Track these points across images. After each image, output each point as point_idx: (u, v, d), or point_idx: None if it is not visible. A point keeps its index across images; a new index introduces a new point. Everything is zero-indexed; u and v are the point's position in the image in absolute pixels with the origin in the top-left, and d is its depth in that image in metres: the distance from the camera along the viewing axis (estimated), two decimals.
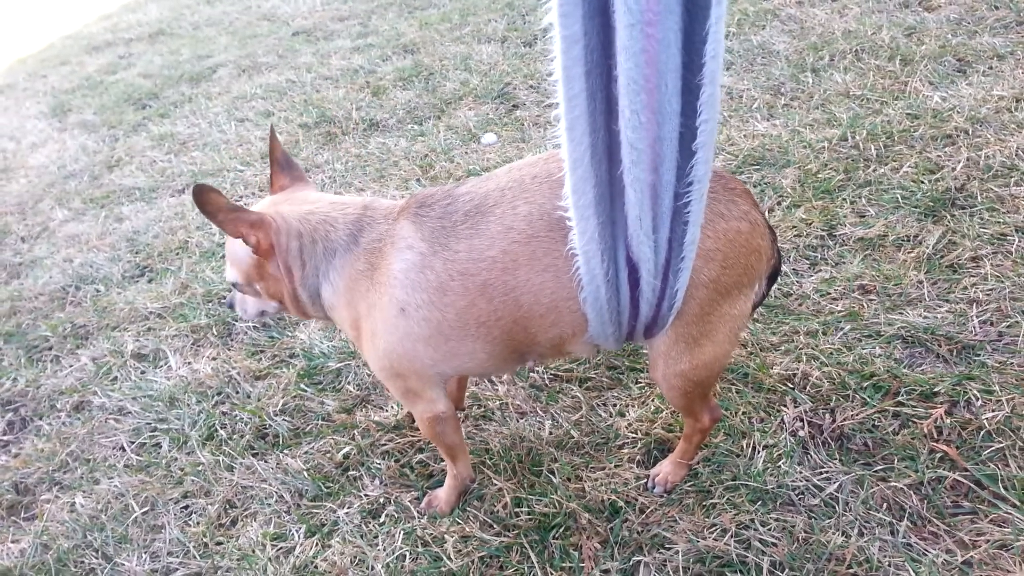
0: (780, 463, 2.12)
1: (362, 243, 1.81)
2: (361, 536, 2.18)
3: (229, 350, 3.13)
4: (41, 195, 5.35)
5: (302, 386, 2.82)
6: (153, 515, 2.39)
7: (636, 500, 2.13)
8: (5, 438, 2.95)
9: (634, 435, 2.33)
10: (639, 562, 1.96)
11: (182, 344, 3.23)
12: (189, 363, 3.09)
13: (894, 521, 1.93)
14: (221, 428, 2.67)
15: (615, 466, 2.24)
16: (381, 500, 2.28)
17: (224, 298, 3.46)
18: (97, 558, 2.28)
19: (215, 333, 3.24)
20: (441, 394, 1.95)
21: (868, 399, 2.25)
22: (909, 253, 2.81)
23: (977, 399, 2.16)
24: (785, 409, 2.29)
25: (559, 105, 1.37)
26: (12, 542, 2.42)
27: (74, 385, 3.11)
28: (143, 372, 3.10)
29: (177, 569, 2.21)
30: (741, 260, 1.66)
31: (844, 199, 3.13)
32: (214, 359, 3.08)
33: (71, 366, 3.25)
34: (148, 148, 5.66)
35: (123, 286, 3.84)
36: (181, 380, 2.98)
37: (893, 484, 2.01)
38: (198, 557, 2.22)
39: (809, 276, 2.84)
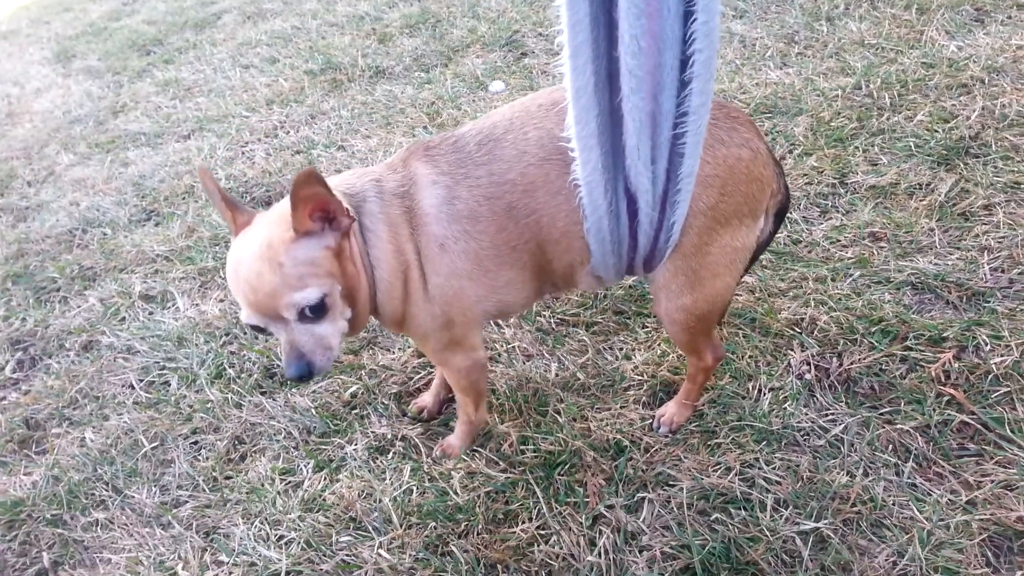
0: (786, 405, 2.13)
1: (388, 190, 1.73)
2: (368, 471, 2.20)
3: None
4: (46, 140, 5.32)
5: None
6: (162, 450, 2.42)
7: (641, 440, 2.14)
8: (15, 376, 2.97)
9: (640, 378, 2.34)
10: (643, 498, 1.98)
11: (189, 286, 3.23)
12: (196, 304, 3.10)
13: (899, 462, 1.94)
14: (229, 367, 2.69)
15: (620, 407, 2.25)
16: (388, 437, 2.30)
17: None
18: (107, 490, 2.31)
19: (222, 276, 3.24)
20: (481, 339, 1.94)
21: (876, 344, 2.24)
22: (921, 201, 2.78)
23: (986, 344, 2.16)
24: (792, 353, 2.29)
25: (562, 32, 1.34)
26: (24, 474, 2.45)
27: (82, 325, 3.12)
28: (151, 313, 3.11)
29: (187, 501, 2.24)
30: (741, 188, 1.64)
31: (856, 147, 3.09)
32: (221, 301, 3.08)
33: (79, 307, 3.26)
34: (153, 94, 5.61)
35: (130, 229, 3.83)
36: (189, 321, 2.99)
37: (899, 426, 2.01)
38: (207, 490, 2.25)
39: (819, 224, 2.82)
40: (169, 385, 2.68)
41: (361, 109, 4.51)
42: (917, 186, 2.86)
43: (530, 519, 1.99)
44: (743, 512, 1.88)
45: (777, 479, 1.94)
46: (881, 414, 2.06)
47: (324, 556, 1.98)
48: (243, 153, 4.38)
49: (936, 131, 3.05)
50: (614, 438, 2.15)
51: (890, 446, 1.98)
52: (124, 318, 3.11)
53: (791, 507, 1.87)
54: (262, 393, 2.57)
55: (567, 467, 2.10)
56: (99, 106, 5.65)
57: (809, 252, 2.67)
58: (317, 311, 1.59)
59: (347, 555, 1.98)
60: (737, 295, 2.53)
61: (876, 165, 3.00)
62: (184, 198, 4.03)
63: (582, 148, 1.50)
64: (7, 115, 6.00)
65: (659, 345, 2.43)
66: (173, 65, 6.07)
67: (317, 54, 5.43)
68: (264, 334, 1.66)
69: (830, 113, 3.31)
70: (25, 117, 5.88)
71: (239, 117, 4.80)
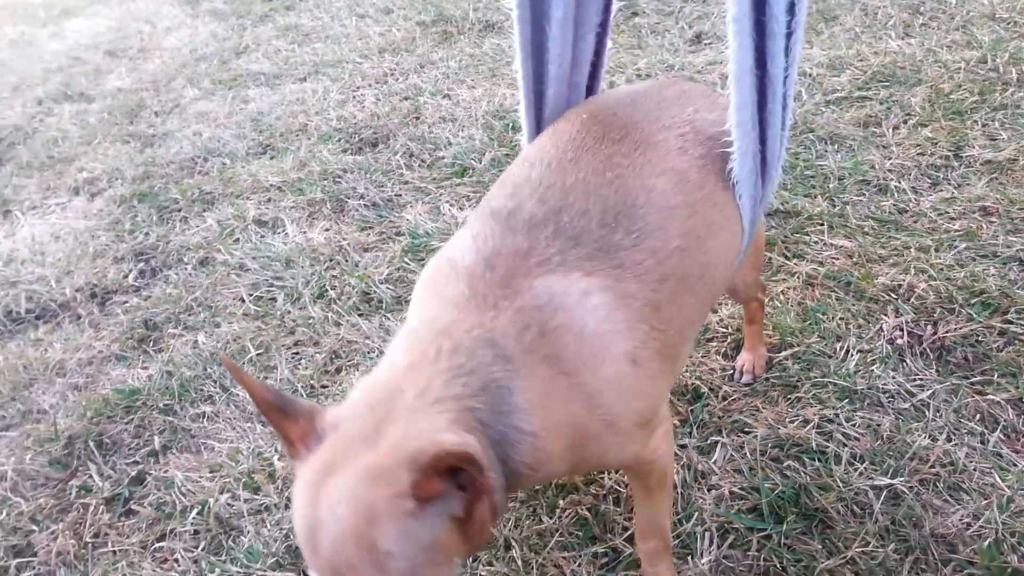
0: (873, 367, 2.12)
1: (514, 349, 1.16)
2: None
3: (341, 223, 3.29)
4: (174, 75, 5.64)
5: (406, 260, 2.95)
6: (267, 357, 2.60)
7: (720, 388, 2.17)
8: (137, 284, 3.22)
9: (724, 330, 2.35)
10: (716, 442, 2.01)
11: (298, 215, 3.41)
12: (304, 232, 3.27)
13: (986, 431, 1.91)
14: (331, 289, 2.84)
15: (702, 356, 2.28)
16: None
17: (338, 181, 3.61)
18: (215, 387, 2.50)
19: (329, 208, 3.41)
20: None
21: (975, 315, 2.19)
22: None
23: None
24: (885, 318, 2.26)
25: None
26: (142, 368, 2.67)
27: (200, 242, 3.35)
28: (262, 236, 3.30)
29: None
30: None
31: (975, 121, 2.98)
32: (327, 230, 3.25)
33: (198, 226, 3.49)
34: (274, 37, 5.85)
35: (247, 160, 4.05)
36: (296, 245, 3.16)
37: (990, 397, 1.97)
38: (304, 395, 2.41)
39: (928, 195, 2.74)
40: (275, 301, 2.86)
41: (468, 61, 4.60)
42: None
43: None
44: (817, 463, 1.90)
45: (856, 435, 1.95)
46: (972, 383, 2.02)
47: None
48: (354, 97, 4.55)
49: None
50: (693, 384, 2.19)
51: (978, 415, 1.95)
52: (238, 239, 3.31)
53: (867, 462, 1.88)
54: (359, 315, 2.71)
55: None
56: (223, 46, 5.94)
57: (915, 222, 2.61)
58: None
59: None
60: (834, 259, 2.51)
61: (995, 140, 2.89)
62: (298, 135, 4.22)
63: (740, 137, 1.42)
64: (139, 50, 6.37)
65: None
66: (293, 12, 6.30)
67: (430, 6, 5.55)
68: None
69: (951, 85, 3.19)
70: (155, 53, 6.23)
71: (352, 63, 4.97)
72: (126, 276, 3.26)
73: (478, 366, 1.12)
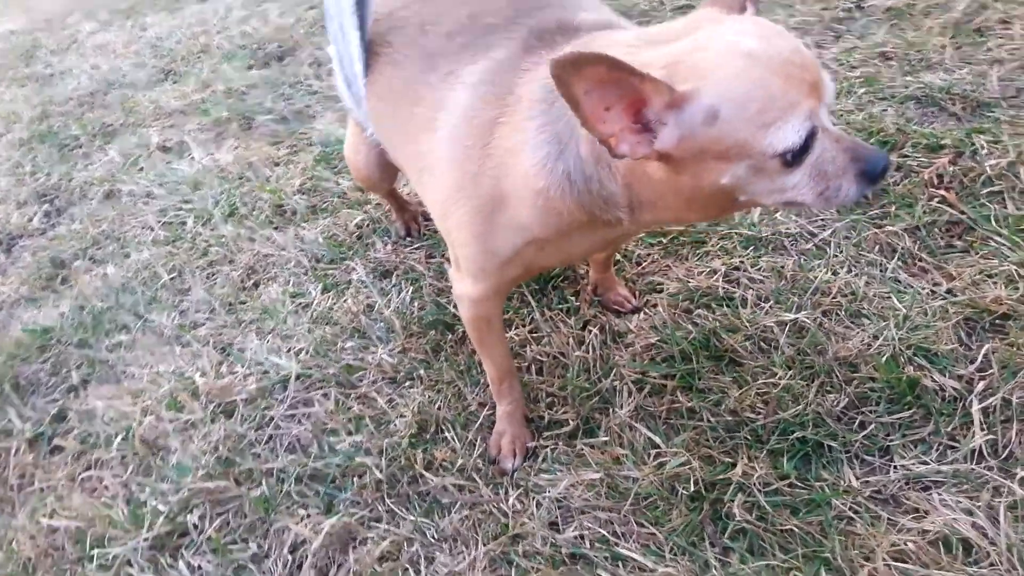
0: (777, 214, 2.15)
1: None
2: (373, 290, 2.29)
3: (249, 140, 3.20)
4: (69, 10, 5.35)
5: (318, 169, 2.89)
6: (180, 280, 2.54)
7: (634, 252, 2.19)
8: (42, 226, 3.10)
9: None
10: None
11: (204, 137, 3.30)
12: (211, 153, 3.17)
13: (884, 260, 1.96)
14: (242, 206, 2.78)
15: None
16: (392, 260, 2.38)
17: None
18: (129, 316, 2.45)
19: (236, 126, 3.30)
20: None
21: None
22: (937, 20, 2.70)
23: (983, 149, 2.13)
24: None
25: None
26: (53, 307, 2.60)
27: (104, 176, 3.23)
28: (168, 162, 3.19)
29: (204, 323, 2.37)
30: None
31: None
32: (235, 148, 3.15)
33: (100, 160, 3.36)
34: None
35: (148, 88, 3.89)
36: (203, 167, 3.07)
37: (888, 228, 2.02)
38: (223, 313, 2.38)
39: (831, 47, 2.75)
40: (185, 224, 2.79)
41: None
42: (934, 5, 2.77)
43: (523, 324, 2.08)
44: (725, 308, 1.94)
45: (761, 279, 1.99)
46: (871, 218, 2.07)
47: (331, 361, 2.10)
48: (257, 11, 4.37)
49: None
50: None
51: (876, 247, 2.00)
52: (143, 168, 3.20)
53: (772, 302, 1.92)
54: (273, 228, 2.66)
55: (560, 278, 2.17)
56: None
57: None
58: None
59: (352, 359, 2.10)
60: None
61: None
62: (200, 57, 4.06)
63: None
64: None
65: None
66: None
67: None
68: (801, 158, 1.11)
69: None
70: None
71: None
72: (30, 219, 3.14)
73: None
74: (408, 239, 2.45)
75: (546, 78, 1.16)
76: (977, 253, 1.90)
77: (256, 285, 2.48)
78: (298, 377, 2.09)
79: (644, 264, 2.15)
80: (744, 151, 1.09)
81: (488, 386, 1.84)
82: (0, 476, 2.10)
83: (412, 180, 1.73)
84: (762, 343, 1.83)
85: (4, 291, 2.74)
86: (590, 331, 1.99)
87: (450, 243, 1.58)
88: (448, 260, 1.83)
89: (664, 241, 2.18)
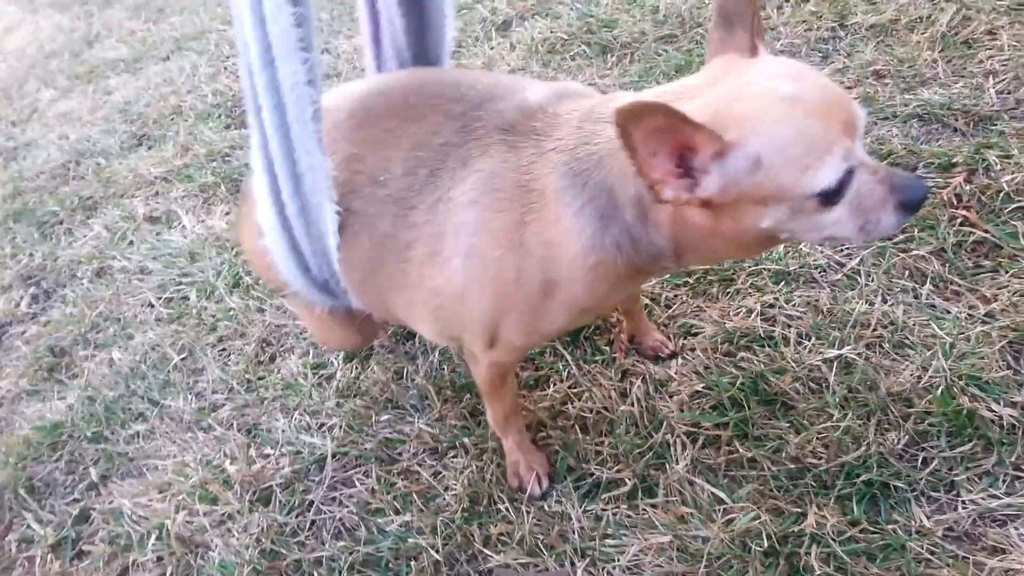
0: (800, 246, 2.14)
1: None
2: (398, 356, 2.24)
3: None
4: (24, 78, 5.20)
5: None
6: (192, 360, 2.46)
7: (660, 295, 2.17)
8: (32, 310, 2.99)
9: None
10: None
11: (193, 204, 3.21)
12: (203, 220, 3.09)
13: (916, 286, 1.96)
14: (245, 275, 2.70)
15: None
16: None
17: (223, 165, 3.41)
18: (143, 403, 2.36)
19: (224, 189, 3.22)
20: None
21: None
22: (923, 34, 2.73)
23: (996, 164, 2.15)
24: None
25: None
26: (59, 399, 2.50)
27: (91, 253, 3.12)
28: (158, 234, 3.10)
29: (224, 404, 2.29)
30: None
31: None
32: (227, 214, 3.07)
33: (84, 236, 3.25)
34: (125, 19, 5.45)
35: (123, 156, 3.78)
36: (198, 236, 2.98)
37: (915, 252, 2.03)
38: (243, 392, 2.30)
39: (821, 68, 2.76)
40: (188, 299, 2.70)
41: (341, 10, 4.37)
42: (918, 20, 2.80)
43: (561, 380, 2.04)
44: (767, 348, 1.92)
45: (798, 315, 1.98)
46: (896, 243, 2.07)
47: (367, 436, 2.05)
48: (225, 68, 4.28)
49: None
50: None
51: (906, 272, 2.00)
52: (132, 241, 3.10)
53: (813, 339, 1.91)
54: (282, 296, 2.58)
55: (591, 329, 2.14)
56: (72, 38, 5.49)
57: None
58: None
59: (390, 432, 2.04)
60: None
61: (875, 3, 2.93)
62: (173, 119, 3.96)
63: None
64: None
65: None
66: None
67: None
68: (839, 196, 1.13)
69: None
70: None
71: (216, 32, 4.68)
72: (18, 304, 3.02)
73: None
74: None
75: (565, 164, 1.30)
76: (1007, 272, 1.91)
77: (272, 359, 2.41)
78: (334, 456, 2.03)
79: (674, 307, 2.13)
80: (783, 194, 1.12)
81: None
82: None
83: (423, 324, 1.62)
84: (811, 383, 1.82)
85: (3, 386, 2.63)
86: (631, 382, 1.96)
87: (487, 338, 1.53)
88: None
89: (691, 281, 2.17)
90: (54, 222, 3.44)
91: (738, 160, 1.10)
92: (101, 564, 1.98)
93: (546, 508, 1.78)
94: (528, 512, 1.78)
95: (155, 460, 2.18)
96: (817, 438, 1.70)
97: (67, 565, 2.02)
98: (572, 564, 1.67)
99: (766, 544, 1.57)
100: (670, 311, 2.12)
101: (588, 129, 1.32)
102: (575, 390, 2.01)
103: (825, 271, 2.07)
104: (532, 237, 1.34)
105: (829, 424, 1.72)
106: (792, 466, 1.68)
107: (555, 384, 2.04)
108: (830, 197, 1.11)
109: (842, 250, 2.10)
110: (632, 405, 1.91)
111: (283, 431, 2.14)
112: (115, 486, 2.15)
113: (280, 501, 1.97)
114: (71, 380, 2.56)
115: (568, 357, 2.08)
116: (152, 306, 2.73)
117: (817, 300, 2.00)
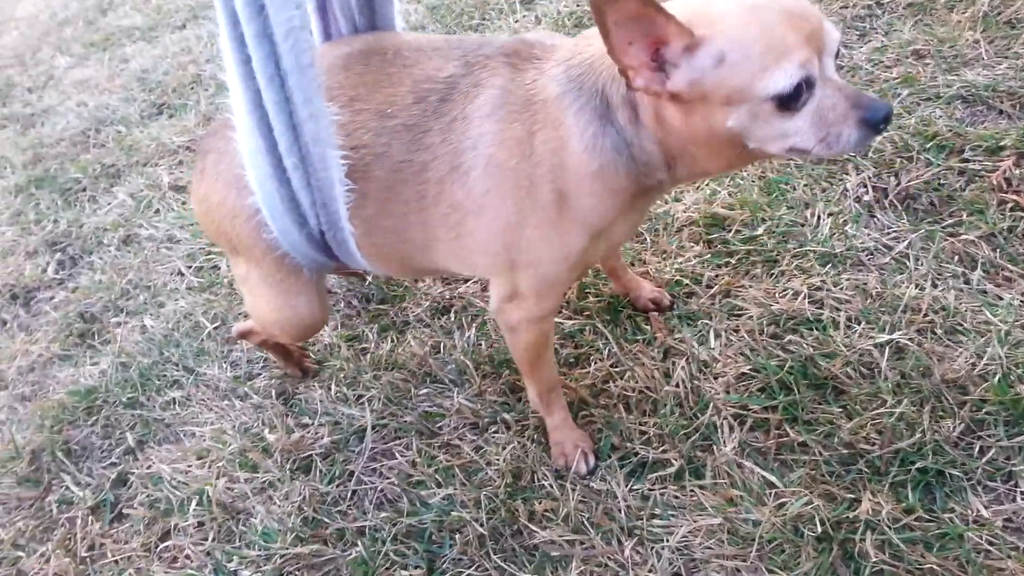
0: (847, 228, 2.12)
1: None
2: (434, 329, 2.22)
3: None
4: (38, 45, 5.14)
5: None
6: (225, 330, 2.44)
7: (702, 275, 2.15)
8: (59, 276, 2.97)
9: (693, 215, 2.32)
10: (710, 329, 2.00)
11: None
12: None
13: (967, 271, 1.95)
14: None
15: (678, 247, 2.25)
16: (447, 297, 2.32)
17: None
18: (178, 370, 2.35)
19: None
20: None
21: (932, 159, 2.21)
22: (963, 13, 2.68)
23: None
24: (847, 176, 2.26)
25: None
26: (91, 364, 2.49)
27: (117, 220, 3.10)
28: (184, 203, 3.07)
29: (259, 374, 2.28)
30: None
31: None
32: None
33: (109, 203, 3.22)
34: None
35: (144, 124, 3.74)
36: None
37: (964, 237, 2.01)
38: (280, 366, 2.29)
39: (859, 47, 2.72)
40: (218, 269, 2.68)
41: None
42: None
43: (602, 359, 2.03)
44: (815, 332, 1.91)
45: (846, 298, 1.96)
46: (944, 227, 2.05)
47: (406, 409, 2.04)
48: None
49: None
50: (674, 277, 2.16)
51: (956, 257, 1.98)
52: (158, 210, 3.08)
53: (863, 323, 1.90)
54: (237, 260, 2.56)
55: (631, 308, 2.12)
56: (85, 5, 5.42)
57: (852, 77, 2.60)
58: None
59: (429, 406, 2.03)
60: None
61: None
62: (192, 88, 3.92)
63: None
64: None
65: (707, 185, 2.40)
66: None
67: None
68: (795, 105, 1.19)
69: None
70: (9, 24, 5.67)
71: None
72: (44, 270, 3.01)
73: None
74: (306, 378, 2.24)
75: (560, 72, 1.39)
76: None
77: None
78: (374, 428, 2.02)
79: (715, 287, 2.11)
80: (743, 95, 1.19)
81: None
82: (68, 549, 2.00)
83: (440, 246, 1.59)
84: (862, 368, 1.80)
85: (34, 351, 2.61)
86: (674, 363, 1.95)
87: (509, 274, 1.56)
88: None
89: (733, 262, 2.15)
90: (77, 189, 3.41)
91: (704, 56, 1.19)
92: (142, 527, 1.98)
93: (591, 486, 1.78)
94: (573, 489, 1.78)
95: (192, 427, 2.18)
96: (871, 424, 1.69)
97: (107, 527, 2.02)
98: (619, 543, 1.66)
99: (819, 529, 1.56)
100: (711, 291, 2.10)
101: (581, 43, 1.42)
102: (617, 369, 2.00)
103: (872, 254, 2.05)
104: (541, 146, 1.39)
105: (883, 410, 1.71)
106: (844, 451, 1.67)
107: (596, 363, 2.03)
108: (786, 102, 1.18)
109: (889, 233, 2.08)
110: (676, 386, 1.90)
111: (320, 402, 2.13)
112: (152, 451, 2.15)
113: (320, 470, 1.97)
114: (103, 346, 2.54)
115: (608, 335, 2.06)
116: (182, 275, 2.71)
117: (865, 284, 1.98)
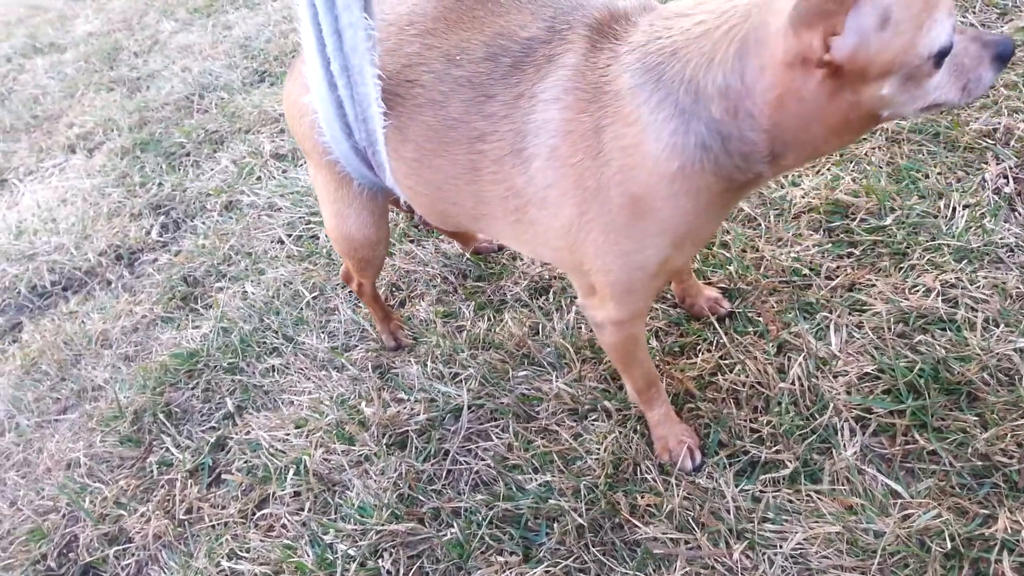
0: (985, 221, 1.96)
1: None
2: (532, 310, 2.17)
3: None
4: (144, 9, 5.28)
5: None
6: (323, 300, 2.45)
7: (821, 266, 2.03)
8: (163, 239, 3.04)
9: (813, 202, 2.19)
10: (830, 323, 1.89)
11: None
12: None
13: None
14: None
15: (795, 235, 2.13)
16: (546, 277, 2.26)
17: None
18: (278, 338, 2.36)
19: None
20: None
21: None
22: None
23: None
24: (986, 166, 2.09)
25: None
26: (193, 328, 2.53)
27: (220, 186, 3.14)
28: (284, 171, 3.10)
29: (356, 346, 2.27)
30: None
31: None
32: None
33: (212, 169, 3.28)
34: None
35: (246, 91, 3.79)
36: None
37: None
38: (373, 333, 2.28)
39: (999, 26, 2.52)
40: (317, 239, 2.69)
41: None
42: None
43: (710, 349, 1.94)
44: (949, 333, 1.77)
45: (983, 298, 1.81)
46: None
47: (503, 390, 1.99)
48: None
49: None
50: (791, 266, 2.05)
51: None
52: (260, 177, 3.11)
53: (1003, 325, 1.75)
54: (411, 241, 2.54)
55: (740, 299, 2.02)
56: None
57: None
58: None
59: (526, 388, 1.98)
60: None
61: None
62: (294, 56, 3.93)
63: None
64: None
65: (828, 169, 2.27)
66: None
67: None
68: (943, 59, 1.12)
69: None
70: None
71: None
72: (148, 232, 3.08)
73: None
74: (399, 351, 2.22)
75: (635, 60, 1.23)
76: None
77: (402, 304, 2.38)
78: (470, 407, 1.99)
79: (836, 279, 1.98)
80: (904, 58, 1.07)
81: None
82: (167, 510, 2.04)
83: (497, 223, 1.51)
84: (1001, 374, 1.66)
85: (137, 311, 2.68)
86: (790, 358, 1.84)
87: (581, 273, 1.46)
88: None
89: (856, 252, 2.02)
90: (181, 154, 3.48)
91: (868, 14, 1.03)
92: (239, 493, 2.00)
93: (697, 483, 1.70)
94: (678, 485, 1.70)
95: (290, 395, 2.19)
96: (1011, 435, 1.56)
97: (205, 491, 2.05)
98: (727, 545, 1.58)
99: (948, 545, 1.45)
100: (832, 283, 1.98)
101: (659, 25, 1.25)
102: (726, 361, 1.90)
103: (1013, 251, 1.90)
104: (610, 143, 1.26)
105: (1023, 421, 1.57)
106: (979, 463, 1.55)
107: (703, 353, 1.94)
108: (941, 57, 1.08)
109: None
110: (792, 384, 1.79)
111: (416, 378, 2.10)
112: (251, 417, 2.17)
113: (416, 447, 1.95)
114: (205, 310, 2.59)
115: (717, 325, 1.97)
116: (282, 243, 2.73)
117: (1005, 283, 1.83)
